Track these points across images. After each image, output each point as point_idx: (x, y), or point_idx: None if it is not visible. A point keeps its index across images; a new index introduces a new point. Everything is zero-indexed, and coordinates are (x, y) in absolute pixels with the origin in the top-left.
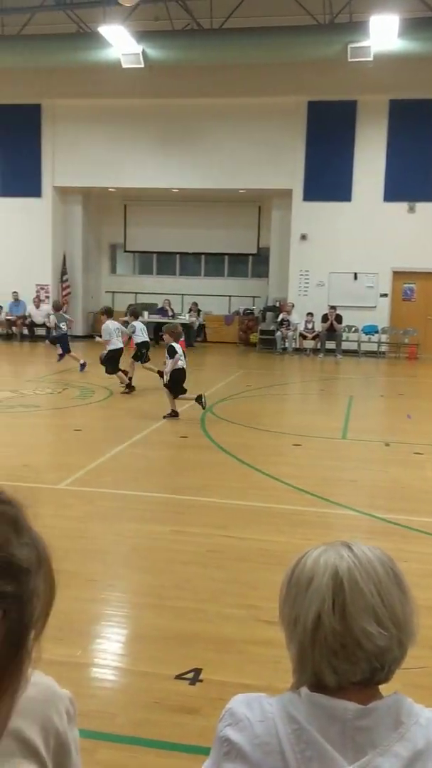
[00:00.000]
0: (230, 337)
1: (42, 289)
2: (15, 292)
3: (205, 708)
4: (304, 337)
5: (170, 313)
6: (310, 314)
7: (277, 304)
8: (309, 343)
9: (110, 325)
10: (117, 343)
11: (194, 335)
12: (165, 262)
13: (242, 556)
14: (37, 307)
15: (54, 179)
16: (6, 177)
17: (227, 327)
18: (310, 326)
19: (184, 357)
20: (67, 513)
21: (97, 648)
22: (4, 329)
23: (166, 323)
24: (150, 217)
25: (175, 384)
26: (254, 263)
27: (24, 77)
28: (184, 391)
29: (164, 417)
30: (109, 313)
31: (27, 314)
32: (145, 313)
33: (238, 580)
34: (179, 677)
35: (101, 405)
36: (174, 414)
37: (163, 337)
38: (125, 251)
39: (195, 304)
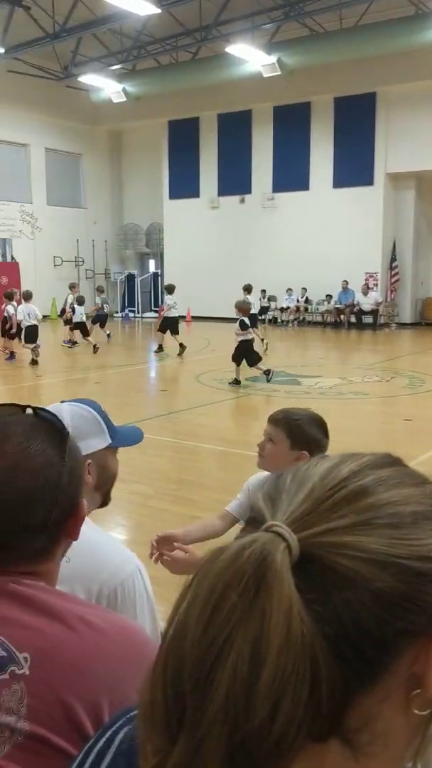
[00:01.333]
0: None
1: (371, 276)
2: (345, 281)
3: None
4: None
5: None
6: None
7: None
8: None
9: (169, 299)
10: (173, 312)
11: None
12: None
13: None
14: (365, 294)
15: (386, 166)
16: (340, 168)
17: None
18: None
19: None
20: None
21: None
22: (333, 317)
23: None
24: None
25: (243, 353)
26: None
27: (360, 67)
28: (259, 359)
29: (230, 383)
30: (170, 289)
31: (355, 302)
32: None
33: None
34: None
35: None
36: (236, 382)
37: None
38: None
39: None
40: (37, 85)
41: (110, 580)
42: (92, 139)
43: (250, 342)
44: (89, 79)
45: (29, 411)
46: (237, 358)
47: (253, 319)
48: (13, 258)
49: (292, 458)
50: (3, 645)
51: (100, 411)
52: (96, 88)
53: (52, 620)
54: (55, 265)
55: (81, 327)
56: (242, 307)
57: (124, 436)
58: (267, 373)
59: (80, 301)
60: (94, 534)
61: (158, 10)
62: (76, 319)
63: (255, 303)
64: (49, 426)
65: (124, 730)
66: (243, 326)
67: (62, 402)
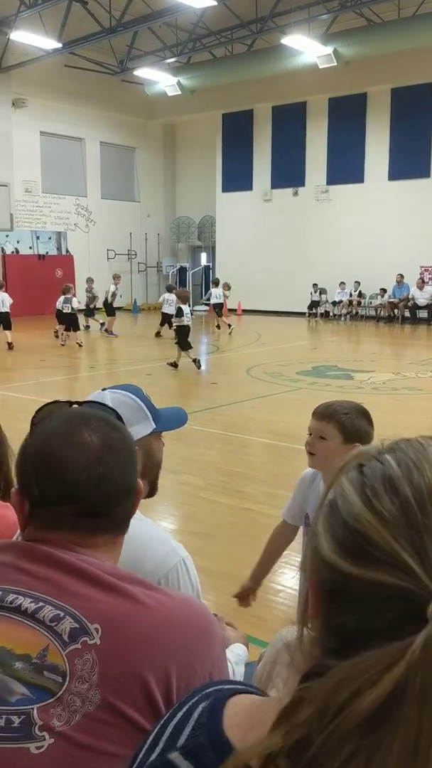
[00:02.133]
0: None
1: (426, 270)
2: (400, 274)
3: None
4: None
5: None
6: None
7: None
8: None
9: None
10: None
11: None
12: None
13: None
14: (420, 288)
15: None
16: (396, 160)
17: None
18: None
19: (190, 316)
20: None
21: None
22: (387, 312)
23: None
24: None
25: (180, 337)
26: None
27: (418, 57)
28: (190, 347)
29: (168, 363)
30: (169, 289)
31: (410, 296)
32: None
33: None
34: None
35: None
36: (174, 365)
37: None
38: None
39: None
40: (92, 79)
41: (154, 572)
42: (146, 132)
43: (186, 328)
44: (144, 72)
45: (75, 406)
46: (179, 342)
47: (219, 307)
48: (67, 251)
49: (344, 452)
50: (75, 616)
51: (143, 396)
52: (151, 81)
53: (120, 595)
54: (108, 258)
55: (69, 319)
56: (181, 295)
57: (167, 420)
58: (195, 361)
59: (66, 292)
60: (139, 525)
61: (214, 3)
62: (65, 310)
63: (220, 294)
64: (98, 407)
65: (201, 705)
66: (179, 314)
67: (104, 389)
